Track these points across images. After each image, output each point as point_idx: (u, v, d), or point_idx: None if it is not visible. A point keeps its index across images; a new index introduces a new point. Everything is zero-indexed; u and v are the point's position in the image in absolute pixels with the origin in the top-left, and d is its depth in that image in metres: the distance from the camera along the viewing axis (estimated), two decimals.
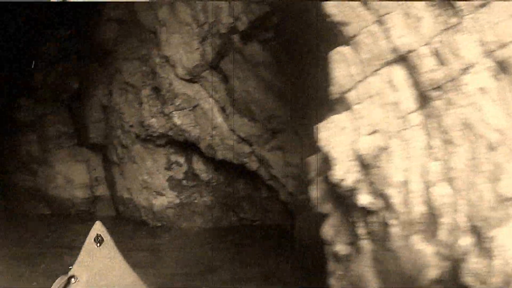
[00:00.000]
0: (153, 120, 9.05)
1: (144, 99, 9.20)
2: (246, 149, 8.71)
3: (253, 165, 8.79)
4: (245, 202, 9.75)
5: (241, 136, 8.63)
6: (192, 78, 8.74)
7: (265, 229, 9.42)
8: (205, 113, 8.79)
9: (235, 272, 7.35)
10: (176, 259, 8.16)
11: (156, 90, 9.04)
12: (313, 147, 4.15)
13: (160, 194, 9.50)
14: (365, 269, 3.90)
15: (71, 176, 11.06)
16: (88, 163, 11.16)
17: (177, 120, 8.85)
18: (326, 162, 3.71)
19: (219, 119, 8.75)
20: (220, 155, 8.84)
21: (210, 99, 8.78)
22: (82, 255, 1.49)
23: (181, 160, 9.54)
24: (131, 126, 9.60)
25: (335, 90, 3.65)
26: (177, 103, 8.81)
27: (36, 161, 11.62)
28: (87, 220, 10.75)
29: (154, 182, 9.50)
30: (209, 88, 8.74)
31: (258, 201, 9.70)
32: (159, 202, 9.54)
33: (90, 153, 11.17)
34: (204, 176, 9.49)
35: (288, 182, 8.46)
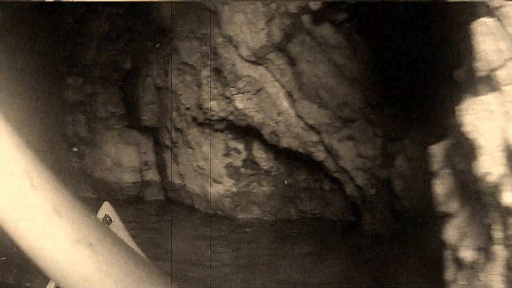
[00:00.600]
0: (213, 103, 8.52)
1: (203, 80, 8.68)
2: (314, 137, 8.14)
3: (320, 155, 8.21)
4: (305, 194, 9.20)
5: (308, 123, 8.05)
6: (257, 59, 8.18)
7: (327, 223, 8.87)
8: (270, 98, 8.23)
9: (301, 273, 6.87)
10: (234, 252, 7.70)
11: (217, 71, 8.51)
12: (440, 133, 3.56)
13: (217, 181, 8.99)
14: (496, 278, 3.29)
15: (120, 159, 10.62)
16: (138, 146, 10.70)
17: (239, 103, 8.31)
18: (464, 151, 3.13)
19: (285, 104, 8.18)
20: (284, 143, 8.28)
21: (276, 83, 8.22)
22: None
23: (240, 146, 9.01)
24: (188, 108, 9.09)
25: (481, 66, 3.05)
26: (240, 86, 8.26)
27: (84, 142, 11.23)
28: (135, 205, 10.36)
29: (211, 169, 8.99)
30: (275, 71, 8.17)
31: (320, 194, 9.14)
32: (215, 190, 9.03)
33: (140, 136, 10.70)
34: (264, 164, 8.96)
35: (358, 175, 7.86)
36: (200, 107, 8.71)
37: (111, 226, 1.38)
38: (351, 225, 8.48)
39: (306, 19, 7.75)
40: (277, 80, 8.22)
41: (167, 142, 9.90)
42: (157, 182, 10.65)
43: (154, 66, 9.94)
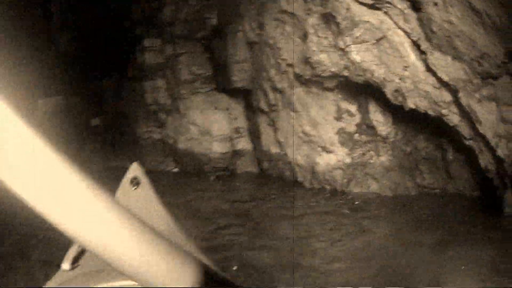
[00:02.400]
0: (323, 56, 7.09)
1: (310, 29, 7.25)
2: (447, 97, 6.61)
3: (454, 118, 6.68)
4: (426, 166, 7.71)
5: (441, 79, 6.52)
6: (375, 2, 6.71)
7: (452, 201, 7.35)
8: (394, 48, 6.74)
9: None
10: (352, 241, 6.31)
11: (327, 18, 7.07)
12: None
13: (327, 150, 7.61)
14: None
15: (208, 127, 9.37)
16: (228, 112, 9.42)
17: (356, 56, 6.84)
18: None
19: (412, 56, 6.67)
20: (410, 103, 6.78)
21: (399, 31, 6.72)
22: (117, 197, 1.13)
23: (353, 108, 7.58)
24: (290, 65, 7.70)
25: None
26: (356, 35, 6.80)
27: (165, 110, 10.08)
28: (226, 179, 9.18)
29: (319, 135, 7.62)
30: (398, 16, 6.68)
31: (442, 165, 7.64)
32: (325, 160, 7.66)
33: (231, 100, 9.42)
34: (382, 129, 7.50)
35: (500, 144, 6.29)
36: (306, 61, 7.30)
37: (139, 188, 1.14)
38: (485, 205, 6.95)
39: None
40: (400, 28, 6.73)
41: (263, 106, 8.58)
42: (250, 152, 9.39)
43: (246, 19, 8.58)
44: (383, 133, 7.42)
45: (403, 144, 7.63)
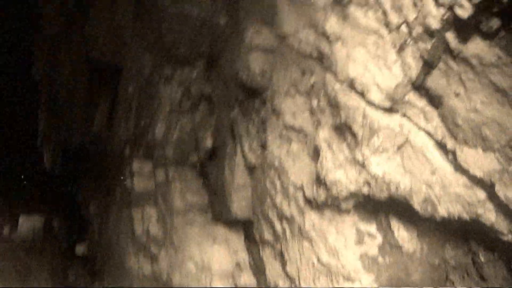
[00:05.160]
0: (340, 173, 6.03)
1: (322, 144, 6.27)
2: (481, 194, 5.49)
3: (490, 216, 5.50)
4: (457, 275, 6.48)
5: (474, 176, 5.45)
6: (393, 104, 5.80)
7: None
8: (418, 153, 5.73)
9: None
10: None
11: (341, 129, 6.14)
12: None
13: (351, 279, 6.37)
14: None
15: (206, 262, 8.19)
16: (228, 244, 8.28)
17: (378, 168, 5.79)
18: None
19: (438, 158, 5.62)
20: (442, 210, 5.64)
21: (421, 132, 5.75)
22: None
23: (372, 228, 6.43)
24: (299, 188, 6.66)
25: None
26: (376, 144, 5.79)
27: (157, 241, 8.96)
28: None
29: (340, 264, 6.42)
30: (418, 116, 5.72)
31: (474, 270, 6.42)
32: None
33: (230, 231, 8.30)
34: (408, 247, 6.25)
35: None
36: (319, 182, 6.27)
37: None
38: None
39: (451, 35, 5.36)
40: (421, 129, 5.78)
41: (268, 236, 7.45)
42: None
43: (244, 139, 7.66)
44: (410, 250, 6.25)
45: (431, 257, 6.43)
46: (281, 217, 7.00)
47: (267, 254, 7.64)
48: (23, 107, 14.39)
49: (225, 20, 8.70)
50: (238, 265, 8.18)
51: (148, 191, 9.01)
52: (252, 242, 8.07)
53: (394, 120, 5.87)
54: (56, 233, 11.74)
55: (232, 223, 8.17)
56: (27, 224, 11.32)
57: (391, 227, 6.23)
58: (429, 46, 5.42)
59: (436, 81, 5.48)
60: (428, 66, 5.49)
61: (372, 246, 6.31)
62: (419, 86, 5.66)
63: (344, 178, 6.01)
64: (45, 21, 11.34)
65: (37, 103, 13.52)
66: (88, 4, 10.22)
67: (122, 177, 9.47)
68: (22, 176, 13.21)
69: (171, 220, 8.59)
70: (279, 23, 7.38)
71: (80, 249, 11.38)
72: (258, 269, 7.99)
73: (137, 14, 9.71)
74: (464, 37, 5.14)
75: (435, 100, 5.57)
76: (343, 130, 6.10)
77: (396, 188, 5.78)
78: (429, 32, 5.37)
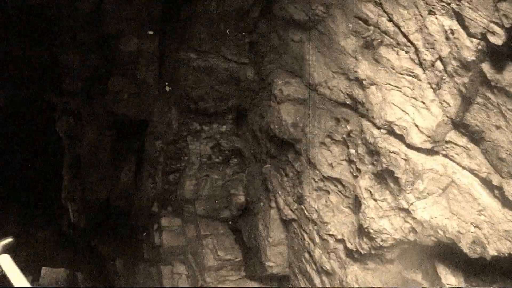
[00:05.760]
0: (384, 222, 5.83)
1: (364, 194, 6.09)
2: None
3: None
4: None
5: None
6: (435, 145, 5.65)
7: None
8: (463, 193, 5.53)
9: None
10: None
11: (382, 176, 5.97)
12: None
13: None
14: None
15: None
16: None
17: (424, 213, 5.60)
18: None
19: (484, 196, 5.43)
20: (492, 250, 5.39)
21: (465, 172, 5.56)
22: None
23: (418, 277, 6.16)
24: (340, 240, 6.45)
25: None
26: (420, 188, 5.62)
27: None
28: None
29: None
30: (461, 155, 5.56)
31: None
32: None
33: None
34: None
35: None
36: (362, 233, 6.06)
37: None
38: None
39: (486, 66, 5.21)
40: (465, 168, 5.59)
41: None
42: None
43: (279, 194, 7.49)
44: None
45: None
46: (321, 271, 6.76)
47: None
48: (49, 162, 14.30)
49: (252, 73, 8.63)
50: None
51: (178, 247, 8.79)
52: None
53: (437, 161, 5.69)
54: (80, 286, 11.46)
55: (267, 279, 7.92)
56: (50, 275, 11.09)
57: (438, 274, 5.98)
58: (466, 80, 5.27)
59: (475, 116, 5.30)
60: (466, 101, 5.32)
61: None
62: (459, 124, 5.49)
63: (388, 226, 5.81)
64: (67, 76, 11.29)
65: (61, 158, 13.40)
66: (112, 59, 10.20)
67: (148, 233, 9.28)
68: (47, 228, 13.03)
69: (203, 277, 8.34)
70: (308, 73, 7.31)
71: None
72: None
73: (161, 68, 9.68)
74: (500, 66, 4.97)
75: (476, 136, 5.37)
76: (384, 177, 5.93)
77: (444, 232, 5.56)
78: (464, 65, 5.22)
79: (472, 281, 5.94)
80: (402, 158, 5.76)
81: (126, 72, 9.50)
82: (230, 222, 8.44)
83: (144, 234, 9.70)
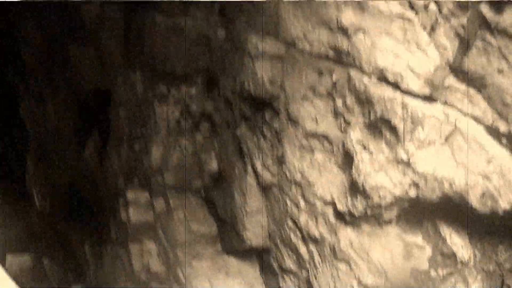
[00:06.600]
0: (381, 177, 5.16)
1: (356, 147, 5.39)
2: None
3: None
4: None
5: None
6: (433, 91, 5.04)
7: None
8: (469, 143, 4.95)
9: None
10: None
11: (376, 125, 5.32)
12: None
13: None
14: None
15: None
16: (242, 278, 7.34)
17: (424, 165, 4.97)
18: None
19: (491, 144, 4.84)
20: (504, 202, 4.78)
21: (469, 119, 4.98)
22: None
23: (419, 239, 5.52)
24: (329, 202, 5.77)
25: None
26: (421, 136, 4.98)
27: (159, 279, 8.01)
28: None
29: (389, 285, 5.51)
30: (462, 101, 4.95)
31: None
32: None
33: (243, 262, 7.35)
34: (463, 253, 5.36)
35: None
36: (356, 191, 5.40)
37: None
38: None
39: (485, 6, 4.63)
40: (468, 115, 5.00)
41: (289, 264, 6.52)
42: None
43: (256, 157, 6.78)
44: (465, 257, 5.34)
45: (485, 264, 5.54)
46: (307, 239, 6.10)
47: (288, 285, 6.72)
48: (13, 148, 13.70)
49: (223, 33, 7.92)
50: None
51: (147, 223, 8.08)
52: (268, 273, 7.15)
53: (437, 108, 5.09)
54: (48, 274, 10.80)
55: (246, 253, 7.25)
56: (16, 263, 10.45)
57: (442, 234, 5.38)
58: (463, 22, 4.72)
59: (475, 60, 4.77)
60: (464, 44, 4.78)
61: (422, 259, 5.45)
62: (457, 69, 4.93)
63: (387, 181, 5.18)
64: (26, 47, 10.55)
65: (25, 142, 12.79)
66: (73, 26, 9.45)
67: (114, 210, 8.58)
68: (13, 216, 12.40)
69: (175, 254, 7.64)
70: (284, 29, 6.63)
71: None
72: None
73: (126, 35, 8.96)
74: (499, 7, 4.44)
75: (477, 82, 4.84)
76: (379, 126, 5.29)
77: (450, 184, 4.95)
78: (461, 7, 4.67)
79: (477, 243, 5.37)
80: (398, 105, 5.13)
81: (87, 40, 8.74)
82: (203, 193, 7.73)
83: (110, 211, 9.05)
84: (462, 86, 4.89)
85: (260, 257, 7.03)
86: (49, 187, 11.38)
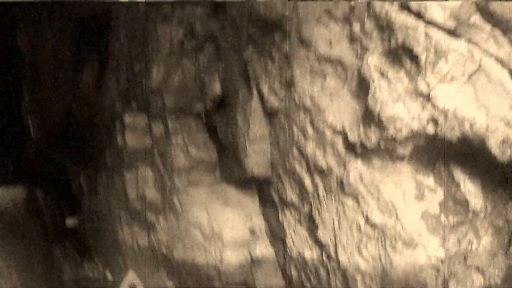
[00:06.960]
0: (399, 107, 4.81)
1: (373, 74, 5.02)
2: None
3: None
4: None
5: None
6: (458, 26, 4.65)
7: None
8: (494, 83, 4.59)
9: None
10: None
11: (396, 53, 4.93)
12: None
13: (412, 244, 5.16)
14: None
15: (217, 230, 6.95)
16: (241, 208, 7.04)
17: (445, 101, 4.63)
18: None
19: None
20: None
21: (493, 60, 4.61)
22: None
23: (431, 181, 5.21)
24: (339, 131, 5.41)
25: None
26: (444, 71, 4.63)
27: (154, 207, 7.72)
28: None
29: (399, 226, 5.20)
30: (487, 41, 4.60)
31: None
32: (407, 259, 5.17)
33: (243, 192, 7.07)
34: (476, 202, 5.08)
35: None
36: (370, 121, 5.03)
37: None
38: None
39: None
40: (493, 56, 4.64)
41: (291, 196, 6.21)
42: (272, 259, 6.93)
43: (263, 80, 6.37)
44: (478, 207, 5.06)
45: (495, 218, 5.26)
46: (312, 170, 5.75)
47: (288, 218, 6.42)
48: (8, 77, 13.30)
49: None
50: (253, 232, 6.96)
51: (143, 148, 7.73)
52: (268, 205, 6.85)
53: (462, 44, 4.71)
54: (41, 206, 10.56)
55: (246, 182, 6.92)
56: (8, 196, 10.16)
57: (456, 179, 5.04)
58: None
59: (501, 3, 4.42)
60: None
61: (433, 202, 5.13)
62: (483, 9, 4.53)
63: (404, 113, 4.80)
64: None
65: (21, 71, 12.40)
66: None
67: (110, 135, 8.23)
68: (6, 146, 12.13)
69: (172, 181, 7.32)
70: None
71: (72, 221, 10.45)
72: (276, 237, 6.79)
73: None
74: None
75: (502, 25, 4.45)
76: (399, 54, 4.88)
77: (471, 125, 4.59)
78: None
79: (488, 195, 5.04)
80: (421, 34, 4.72)
81: None
82: (204, 117, 7.35)
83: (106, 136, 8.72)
84: (488, 27, 4.50)
85: (261, 188, 6.71)
86: (45, 115, 11.06)
